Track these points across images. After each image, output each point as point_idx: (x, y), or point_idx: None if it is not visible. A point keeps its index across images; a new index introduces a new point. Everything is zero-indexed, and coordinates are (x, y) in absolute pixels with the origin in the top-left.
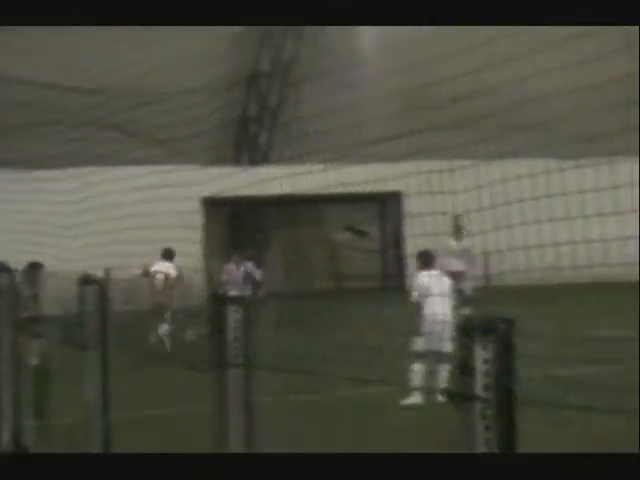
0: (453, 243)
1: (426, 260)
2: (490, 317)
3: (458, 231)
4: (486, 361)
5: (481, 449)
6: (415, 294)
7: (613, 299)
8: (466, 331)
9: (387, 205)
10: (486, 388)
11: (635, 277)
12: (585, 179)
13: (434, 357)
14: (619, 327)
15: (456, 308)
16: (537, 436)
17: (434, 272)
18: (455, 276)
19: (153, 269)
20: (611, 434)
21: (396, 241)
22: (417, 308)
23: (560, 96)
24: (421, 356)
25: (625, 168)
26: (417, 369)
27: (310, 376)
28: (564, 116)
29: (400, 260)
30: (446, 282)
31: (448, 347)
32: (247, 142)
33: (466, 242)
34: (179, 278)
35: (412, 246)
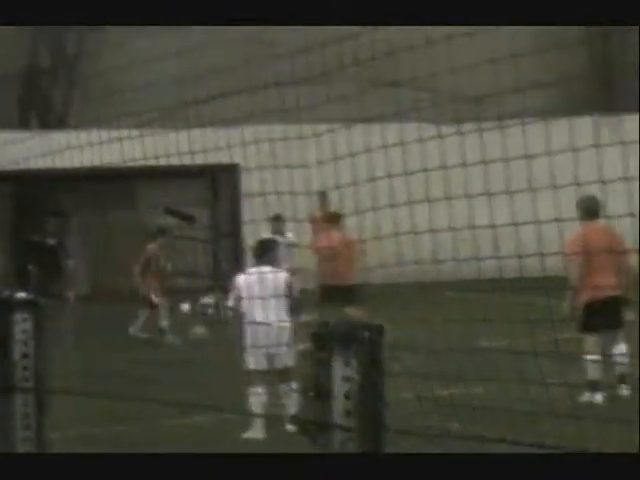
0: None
1: (261, 252)
2: (354, 323)
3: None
4: (347, 379)
5: None
6: (231, 299)
7: (506, 299)
8: (321, 342)
9: (220, 182)
10: (347, 414)
11: (531, 271)
12: (470, 148)
13: (274, 377)
14: (504, 335)
15: (294, 313)
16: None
17: (266, 268)
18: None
19: None
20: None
21: (232, 228)
22: (235, 316)
23: (434, 46)
24: (256, 377)
25: (518, 135)
26: (254, 393)
27: (124, 402)
28: (440, 71)
29: (237, 252)
30: (279, 280)
31: (287, 362)
32: (37, 100)
33: (290, 235)
34: None
35: (252, 234)
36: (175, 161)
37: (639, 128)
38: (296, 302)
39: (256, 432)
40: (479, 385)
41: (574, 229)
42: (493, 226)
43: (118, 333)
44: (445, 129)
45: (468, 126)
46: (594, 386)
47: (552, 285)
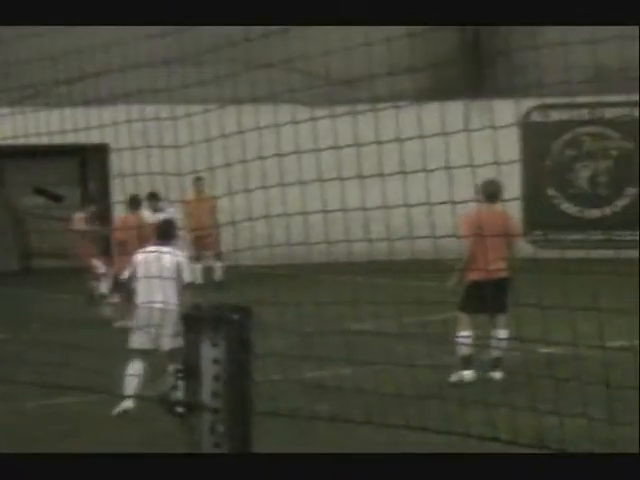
0: (147, 213)
1: (161, 232)
2: (222, 305)
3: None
4: (216, 361)
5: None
6: (126, 275)
7: (375, 281)
8: (191, 323)
9: (89, 162)
10: (215, 395)
11: (401, 254)
12: (342, 131)
13: (161, 359)
14: (381, 317)
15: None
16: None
17: (165, 248)
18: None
19: None
20: (373, 446)
21: (100, 208)
22: (126, 293)
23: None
24: (137, 356)
25: (390, 118)
26: (132, 371)
27: None
28: (311, 53)
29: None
30: (173, 261)
31: (173, 344)
32: None
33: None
34: None
35: (121, 214)
36: (43, 141)
37: None
38: (186, 285)
39: (127, 403)
40: (348, 367)
41: (465, 210)
42: (364, 209)
43: None
44: (318, 111)
45: (341, 109)
46: (464, 364)
47: (422, 268)
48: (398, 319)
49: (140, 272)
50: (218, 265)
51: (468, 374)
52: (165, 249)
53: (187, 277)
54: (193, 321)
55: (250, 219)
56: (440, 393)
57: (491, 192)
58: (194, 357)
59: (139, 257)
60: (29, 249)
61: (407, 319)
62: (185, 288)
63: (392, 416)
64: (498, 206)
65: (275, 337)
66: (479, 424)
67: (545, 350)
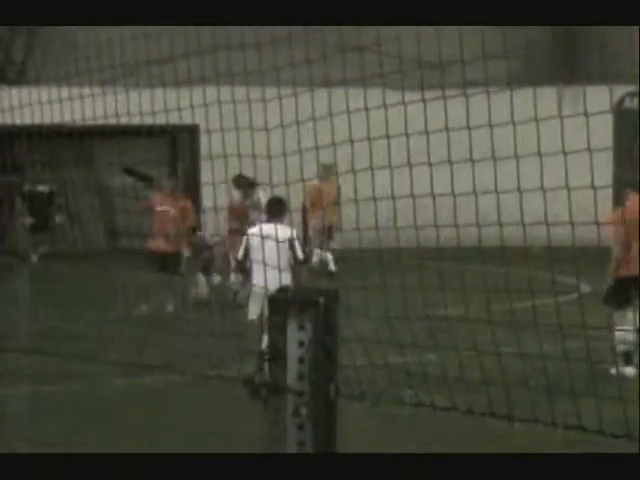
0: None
1: (271, 209)
2: (308, 288)
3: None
4: (301, 344)
5: (292, 450)
6: (240, 251)
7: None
8: (278, 306)
9: (179, 143)
10: (300, 378)
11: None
12: (432, 116)
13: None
14: (459, 304)
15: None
16: (365, 436)
17: (277, 225)
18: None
19: None
20: (457, 433)
21: (190, 189)
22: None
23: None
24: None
25: (481, 103)
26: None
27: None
28: (401, 36)
29: (197, 213)
30: (285, 237)
31: None
32: None
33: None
34: None
35: (209, 196)
36: (133, 121)
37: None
38: (299, 261)
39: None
40: (433, 353)
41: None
42: (453, 194)
43: (77, 293)
44: (409, 95)
45: (431, 93)
46: (625, 359)
47: (511, 255)
48: (485, 305)
49: (254, 249)
50: (329, 255)
51: (630, 370)
52: (277, 226)
53: (299, 254)
54: (280, 303)
55: (340, 203)
56: (525, 381)
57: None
58: (280, 339)
59: (252, 232)
60: (118, 229)
61: (494, 306)
62: (298, 264)
63: (477, 404)
64: None
65: (361, 322)
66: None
67: None
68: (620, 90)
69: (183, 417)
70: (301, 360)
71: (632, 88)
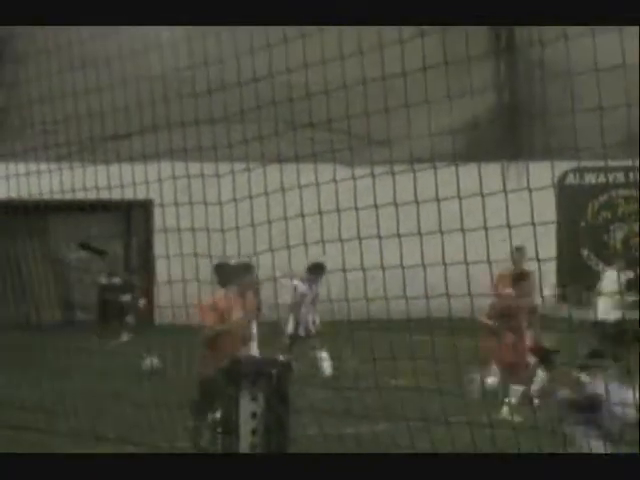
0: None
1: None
2: (261, 359)
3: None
4: (254, 415)
5: None
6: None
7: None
8: (231, 377)
9: (134, 217)
10: (253, 448)
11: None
12: (381, 191)
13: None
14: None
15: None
16: None
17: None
18: None
19: None
20: None
21: (144, 263)
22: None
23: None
24: None
25: (428, 179)
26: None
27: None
28: (353, 113)
29: (149, 287)
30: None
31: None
32: None
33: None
34: None
35: (163, 269)
36: (89, 196)
37: None
38: None
39: None
40: (384, 422)
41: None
42: (402, 267)
43: (31, 364)
44: (358, 171)
45: (380, 168)
46: None
47: (458, 326)
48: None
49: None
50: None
51: None
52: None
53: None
54: (233, 374)
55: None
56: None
57: None
58: (233, 411)
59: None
60: (71, 301)
61: (443, 377)
62: None
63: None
64: None
65: (313, 392)
66: None
67: None
68: (563, 165)
69: None
70: (253, 432)
71: (574, 164)
